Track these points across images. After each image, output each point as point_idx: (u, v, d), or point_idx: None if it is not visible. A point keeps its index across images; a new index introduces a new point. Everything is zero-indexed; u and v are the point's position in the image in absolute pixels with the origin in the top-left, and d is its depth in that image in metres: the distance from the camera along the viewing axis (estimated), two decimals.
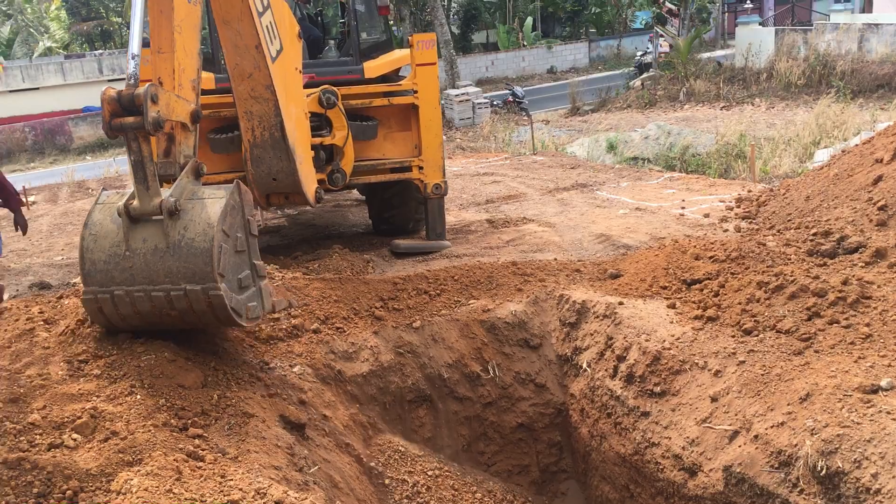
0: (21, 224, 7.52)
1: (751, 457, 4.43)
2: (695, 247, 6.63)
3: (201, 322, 4.38)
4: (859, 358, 4.58)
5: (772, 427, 4.41)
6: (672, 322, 5.70)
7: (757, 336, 5.19)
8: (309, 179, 7.06)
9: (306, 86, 7.36)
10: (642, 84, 26.54)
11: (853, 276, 5.39)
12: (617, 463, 5.76)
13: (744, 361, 4.97)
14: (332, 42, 9.10)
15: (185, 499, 3.30)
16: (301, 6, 8.83)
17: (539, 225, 8.87)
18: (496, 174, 12.92)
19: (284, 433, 4.45)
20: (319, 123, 7.53)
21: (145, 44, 4.46)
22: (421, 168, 8.07)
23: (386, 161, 8.11)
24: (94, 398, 3.91)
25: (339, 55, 8.67)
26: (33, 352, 4.46)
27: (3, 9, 43.95)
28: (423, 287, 6.74)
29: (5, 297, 6.96)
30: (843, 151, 8.76)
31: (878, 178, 6.86)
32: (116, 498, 3.27)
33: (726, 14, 41.43)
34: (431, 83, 8.01)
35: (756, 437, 4.47)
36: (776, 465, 4.27)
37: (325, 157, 7.61)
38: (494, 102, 26.59)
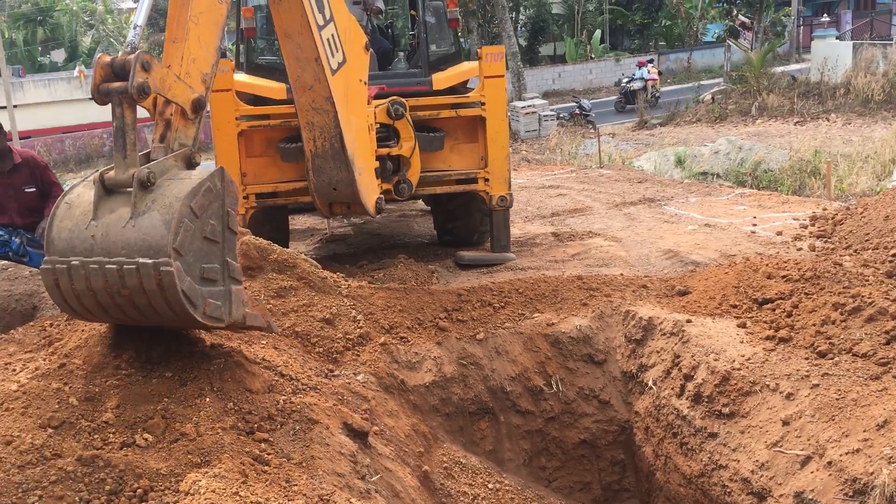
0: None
1: (824, 484, 4.29)
2: (767, 265, 6.47)
3: (153, 310, 3.82)
4: None
5: (846, 454, 4.26)
6: (742, 342, 5.57)
7: (832, 359, 5.03)
8: (369, 190, 7.13)
9: (376, 97, 7.44)
10: (713, 98, 26.12)
11: None
12: (682, 484, 5.64)
13: (818, 385, 4.82)
14: (401, 54, 9.19)
15: (251, 502, 3.34)
16: (372, 18, 8.94)
17: (605, 239, 8.77)
18: (562, 187, 12.84)
19: (347, 440, 4.47)
20: (387, 134, 7.60)
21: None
22: (487, 180, 8.07)
23: (452, 172, 8.13)
24: (165, 399, 3.99)
25: (408, 67, 8.75)
26: (108, 352, 4.58)
27: (86, 19, 45.68)
28: (488, 299, 6.73)
29: None
30: None
31: None
32: (185, 498, 3.33)
33: (801, 27, 40.48)
34: (499, 95, 8.01)
35: (830, 463, 4.32)
36: (850, 494, 4.13)
37: (393, 167, 7.67)
38: (561, 115, 26.49)
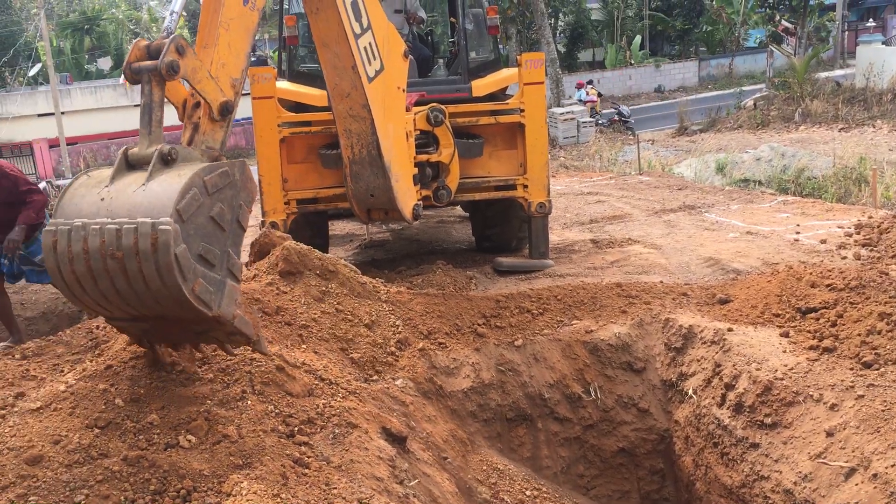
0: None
1: (869, 496, 4.21)
2: (811, 274, 6.36)
3: (143, 281, 3.61)
4: None
5: (892, 466, 4.18)
6: (785, 351, 5.49)
7: (878, 370, 4.94)
8: (406, 197, 7.17)
9: (416, 103, 7.48)
10: (755, 104, 25.82)
11: None
12: (723, 494, 5.56)
13: (863, 396, 4.73)
14: (441, 61, 9.24)
15: None
16: (413, 26, 9.00)
17: (644, 246, 8.71)
18: (601, 194, 12.77)
19: (386, 445, 4.50)
20: (427, 141, 7.64)
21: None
22: (525, 186, 8.07)
23: (491, 179, 8.15)
24: (208, 402, 4.06)
25: (447, 74, 8.79)
26: (150, 356, 4.67)
27: (131, 27, 46.56)
28: (526, 306, 6.72)
29: None
30: None
31: None
32: (227, 500, 3.38)
33: (846, 33, 39.82)
34: (538, 102, 8.01)
35: (875, 475, 4.24)
36: None
37: (432, 173, 7.71)
38: (600, 121, 26.35)
